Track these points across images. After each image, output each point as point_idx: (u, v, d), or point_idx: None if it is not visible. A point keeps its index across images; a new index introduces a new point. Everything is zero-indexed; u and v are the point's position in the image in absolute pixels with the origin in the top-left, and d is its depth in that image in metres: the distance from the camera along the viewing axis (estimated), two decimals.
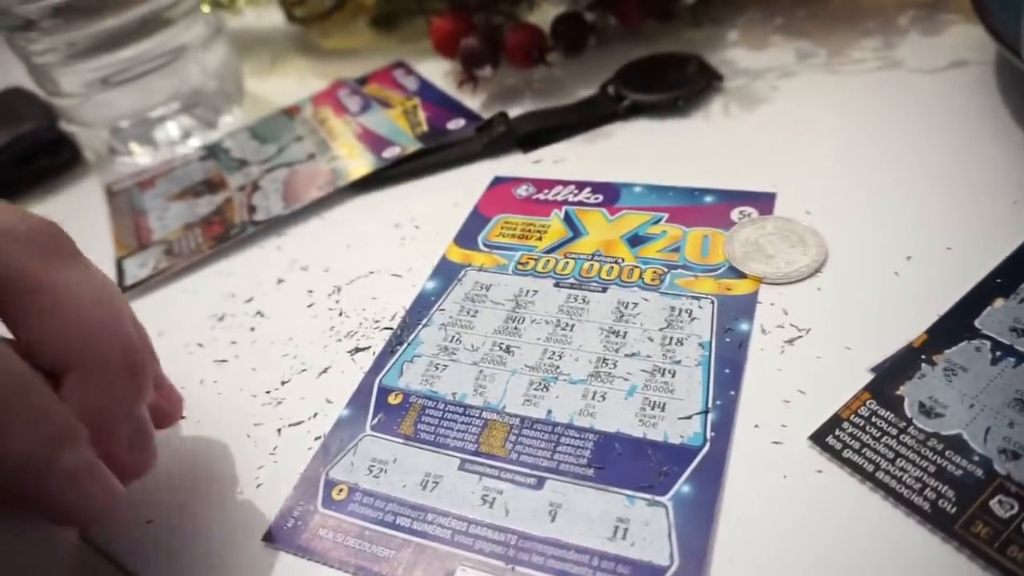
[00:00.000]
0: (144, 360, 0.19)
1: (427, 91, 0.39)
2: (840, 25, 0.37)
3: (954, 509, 0.17)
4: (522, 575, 0.19)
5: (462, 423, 0.22)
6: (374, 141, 0.36)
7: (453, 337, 0.25)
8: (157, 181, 0.38)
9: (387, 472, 0.22)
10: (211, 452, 0.24)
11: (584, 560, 0.18)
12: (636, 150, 0.32)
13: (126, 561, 0.21)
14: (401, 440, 0.22)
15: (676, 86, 0.34)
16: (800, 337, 0.23)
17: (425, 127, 0.36)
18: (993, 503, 0.17)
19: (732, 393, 0.21)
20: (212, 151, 0.39)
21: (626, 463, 0.20)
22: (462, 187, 0.32)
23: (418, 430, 0.22)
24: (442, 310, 0.26)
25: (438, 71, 0.40)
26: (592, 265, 0.27)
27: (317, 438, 0.23)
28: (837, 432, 0.20)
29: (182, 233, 0.33)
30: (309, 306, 0.28)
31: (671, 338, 0.23)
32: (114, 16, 0.35)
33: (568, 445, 0.21)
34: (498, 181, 0.32)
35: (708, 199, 0.28)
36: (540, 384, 0.23)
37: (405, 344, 0.25)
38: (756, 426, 0.21)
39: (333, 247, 0.31)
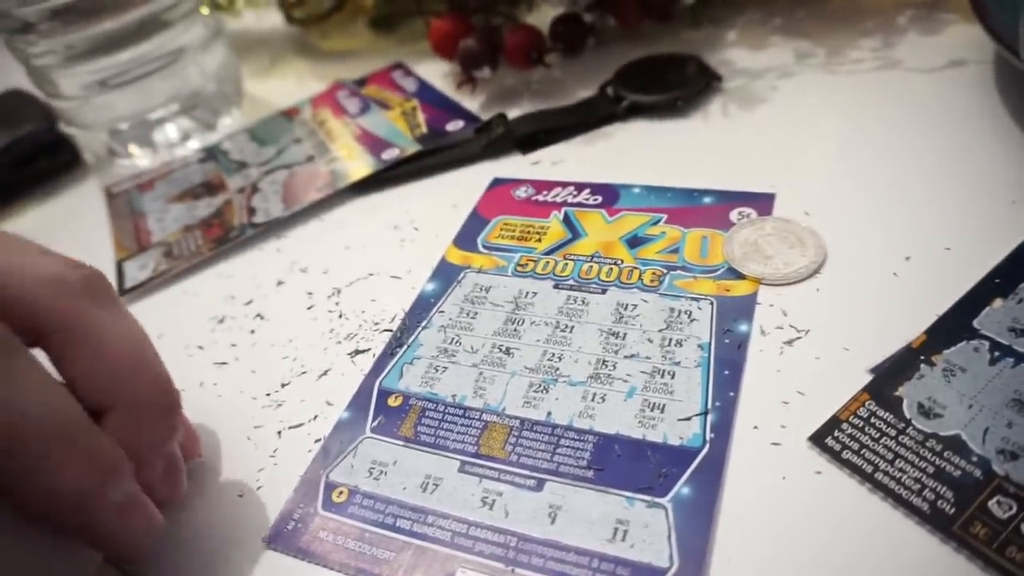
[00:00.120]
0: (177, 401, 0.21)
1: (426, 92, 0.39)
2: (839, 25, 0.37)
3: (953, 510, 0.18)
4: None
5: (462, 425, 0.22)
6: (373, 143, 0.36)
7: (453, 339, 0.25)
8: (156, 183, 0.38)
9: (387, 474, 0.22)
10: (212, 454, 0.24)
11: (584, 562, 0.19)
12: (635, 151, 0.32)
13: (127, 565, 0.21)
14: (401, 442, 0.22)
15: (675, 87, 0.34)
16: (799, 338, 0.23)
17: (424, 128, 0.36)
18: (992, 504, 0.17)
19: (731, 394, 0.21)
20: (211, 153, 0.39)
21: (625, 465, 0.20)
22: (461, 189, 0.32)
23: (418, 432, 0.22)
24: (441, 312, 0.26)
25: (437, 72, 0.40)
26: (591, 266, 0.27)
27: (317, 440, 0.23)
28: (836, 433, 0.20)
29: (181, 235, 0.33)
30: (309, 308, 0.28)
31: (670, 339, 0.23)
32: (113, 18, 0.35)
33: (568, 447, 0.21)
34: (497, 183, 0.32)
35: (707, 200, 0.28)
36: (540, 386, 0.23)
37: (405, 346, 0.25)
38: (755, 427, 0.21)
39: (332, 249, 0.31)
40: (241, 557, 0.20)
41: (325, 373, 0.25)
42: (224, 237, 0.33)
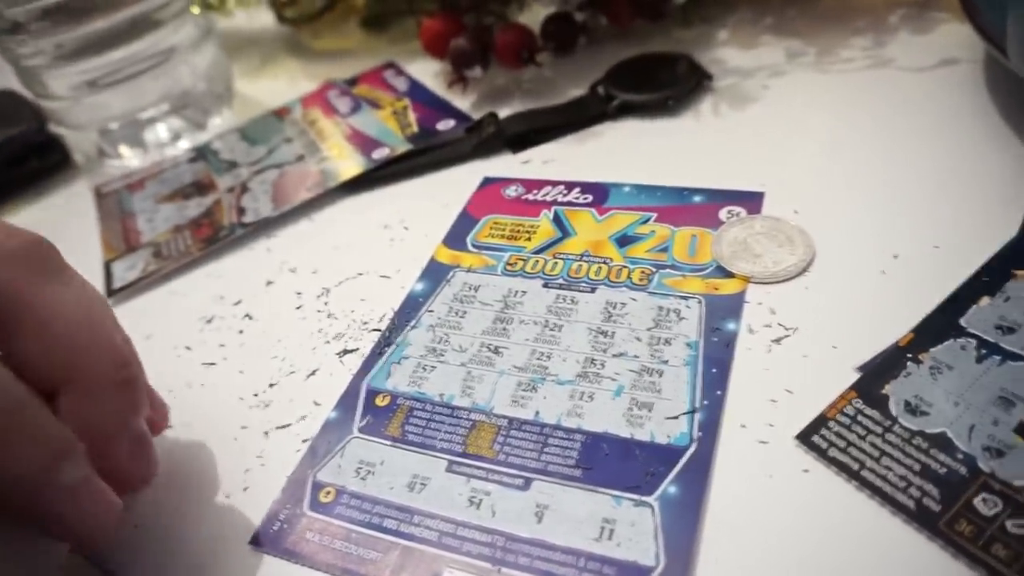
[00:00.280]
0: (136, 373, 0.20)
1: (417, 92, 0.39)
2: (830, 24, 0.37)
3: (939, 507, 0.17)
4: None
5: (450, 424, 0.22)
6: (364, 142, 0.36)
7: (441, 338, 0.25)
8: (146, 183, 0.38)
9: (374, 474, 0.22)
10: (198, 455, 0.23)
11: (570, 561, 0.18)
12: (625, 150, 0.32)
13: (113, 566, 0.21)
14: (389, 442, 0.22)
15: (666, 86, 0.34)
16: (787, 336, 0.23)
17: (415, 128, 0.36)
18: (977, 501, 0.17)
19: (719, 393, 0.21)
20: (201, 153, 0.39)
21: (613, 463, 0.20)
22: (451, 188, 0.32)
23: (406, 432, 0.22)
24: (430, 311, 0.26)
25: (428, 72, 0.40)
26: (581, 265, 0.27)
27: (305, 440, 0.23)
28: (823, 431, 0.20)
29: (171, 235, 0.33)
30: (298, 308, 0.28)
31: (659, 338, 0.23)
32: (103, 18, 0.35)
33: (555, 446, 0.21)
34: (487, 182, 0.32)
35: (697, 199, 0.28)
36: (528, 385, 0.23)
37: (393, 346, 0.25)
38: (743, 426, 0.21)
39: (322, 249, 0.31)
40: (227, 558, 0.20)
41: (313, 373, 0.25)
42: (214, 237, 0.32)
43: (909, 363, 0.21)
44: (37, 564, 0.18)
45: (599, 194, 0.30)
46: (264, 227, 0.33)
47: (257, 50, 0.49)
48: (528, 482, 0.20)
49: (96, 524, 0.18)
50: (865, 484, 0.18)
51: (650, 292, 0.25)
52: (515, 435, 0.22)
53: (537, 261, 0.27)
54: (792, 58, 0.35)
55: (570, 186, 0.30)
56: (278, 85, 0.44)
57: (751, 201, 0.28)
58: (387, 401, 0.23)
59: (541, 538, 0.19)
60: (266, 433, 0.24)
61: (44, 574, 0.18)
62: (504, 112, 0.35)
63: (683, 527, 0.19)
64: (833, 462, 0.19)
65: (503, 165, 0.33)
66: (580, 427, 0.21)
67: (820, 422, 0.20)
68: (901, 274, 0.24)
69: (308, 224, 0.33)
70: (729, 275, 0.25)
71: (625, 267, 0.26)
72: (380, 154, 0.34)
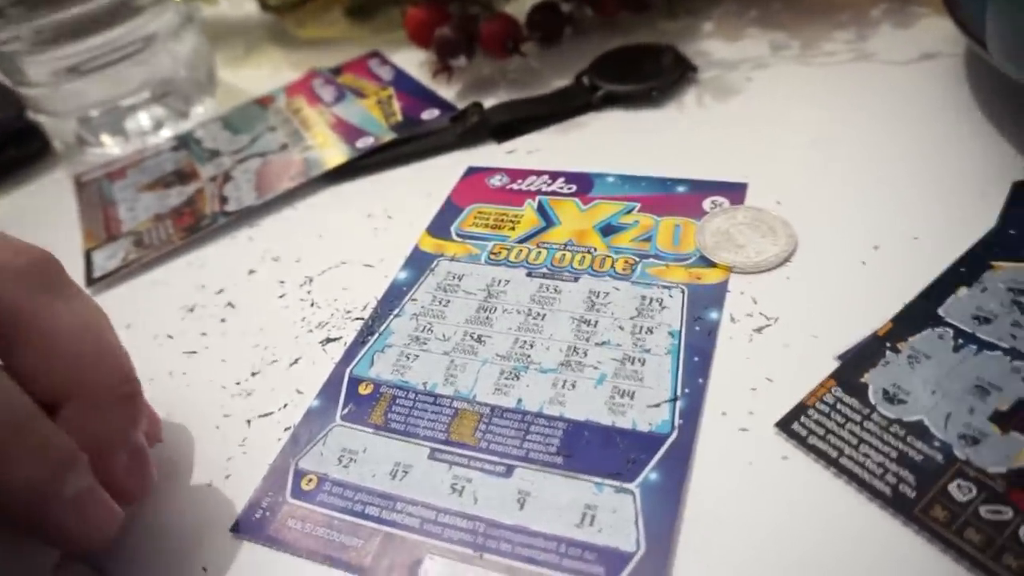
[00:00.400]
0: (137, 388, 0.20)
1: (402, 81, 0.38)
2: (814, 17, 0.37)
3: (914, 493, 0.18)
4: (490, 562, 0.19)
5: (432, 412, 0.22)
6: (348, 131, 0.35)
7: (424, 327, 0.25)
8: (127, 172, 0.37)
9: (356, 462, 0.21)
10: (180, 444, 0.23)
11: (552, 547, 0.19)
12: (610, 140, 0.32)
13: (92, 553, 0.21)
14: (371, 430, 0.22)
15: (651, 77, 0.34)
16: (768, 326, 0.23)
17: (399, 117, 0.35)
18: (952, 487, 0.18)
19: (700, 381, 0.22)
20: (184, 141, 0.38)
21: (595, 451, 0.20)
22: (436, 177, 0.32)
23: (388, 420, 0.22)
24: (414, 300, 0.26)
25: (413, 61, 0.40)
26: (564, 254, 0.27)
27: (287, 429, 0.23)
28: (802, 419, 0.20)
29: (152, 224, 0.33)
30: (280, 297, 0.28)
31: (641, 327, 0.23)
32: (81, 3, 0.35)
33: (537, 433, 0.21)
34: (472, 171, 0.32)
35: (680, 189, 0.28)
36: (511, 373, 0.23)
37: (376, 334, 0.25)
38: (724, 413, 0.21)
39: (305, 237, 0.31)
40: (209, 546, 0.20)
41: (296, 362, 0.25)
42: (195, 226, 0.32)
43: (888, 352, 0.21)
44: (35, 564, 0.18)
45: (583, 184, 0.30)
46: (247, 216, 0.32)
47: (241, 38, 0.49)
48: (510, 469, 0.20)
49: (98, 534, 0.19)
50: (843, 471, 0.19)
51: (633, 281, 0.25)
52: (497, 423, 0.22)
53: (521, 250, 0.27)
54: (776, 51, 0.35)
55: (554, 175, 0.30)
56: (262, 74, 0.44)
57: (734, 192, 0.28)
58: (370, 389, 0.23)
59: (523, 524, 0.19)
60: (248, 421, 0.24)
61: (39, 574, 0.19)
62: (489, 102, 0.35)
63: (663, 513, 0.19)
64: (812, 449, 0.19)
65: (488, 154, 0.33)
66: (562, 415, 0.21)
67: (800, 410, 0.20)
68: (881, 264, 0.24)
69: (291, 213, 0.32)
70: (712, 265, 0.25)
71: (609, 256, 0.26)
72: (364, 143, 0.34)
